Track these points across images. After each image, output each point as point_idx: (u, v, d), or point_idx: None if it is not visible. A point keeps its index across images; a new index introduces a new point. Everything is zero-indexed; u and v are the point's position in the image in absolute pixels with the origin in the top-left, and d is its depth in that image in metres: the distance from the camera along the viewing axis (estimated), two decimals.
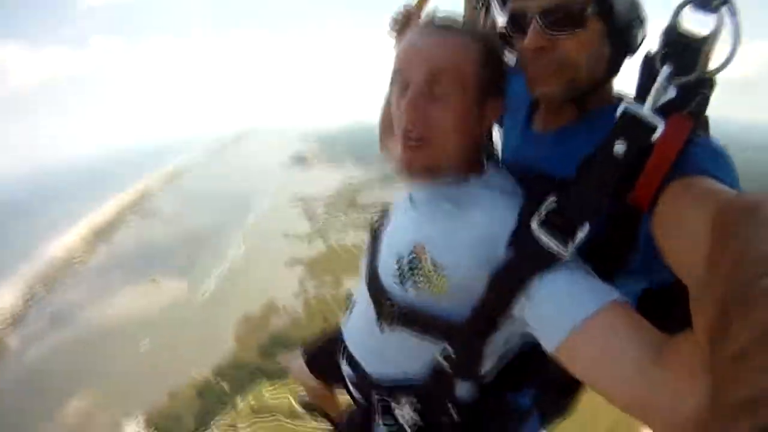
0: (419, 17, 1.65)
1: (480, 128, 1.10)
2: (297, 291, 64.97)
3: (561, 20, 1.00)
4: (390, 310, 1.09)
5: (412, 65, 1.05)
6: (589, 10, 0.99)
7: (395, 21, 1.66)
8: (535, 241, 0.86)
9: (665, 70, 0.77)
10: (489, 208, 1.02)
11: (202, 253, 79.03)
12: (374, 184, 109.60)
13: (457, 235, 1.02)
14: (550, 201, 0.87)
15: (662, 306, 0.84)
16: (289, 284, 66.59)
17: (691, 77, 0.75)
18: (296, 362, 1.83)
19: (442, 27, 1.10)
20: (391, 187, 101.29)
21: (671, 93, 0.77)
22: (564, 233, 0.83)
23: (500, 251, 0.94)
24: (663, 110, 0.77)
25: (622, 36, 1.04)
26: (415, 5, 1.69)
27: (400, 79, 1.07)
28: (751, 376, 0.37)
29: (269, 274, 69.79)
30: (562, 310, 0.80)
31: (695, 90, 0.77)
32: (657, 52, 0.81)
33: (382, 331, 1.12)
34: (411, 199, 1.21)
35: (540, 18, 1.01)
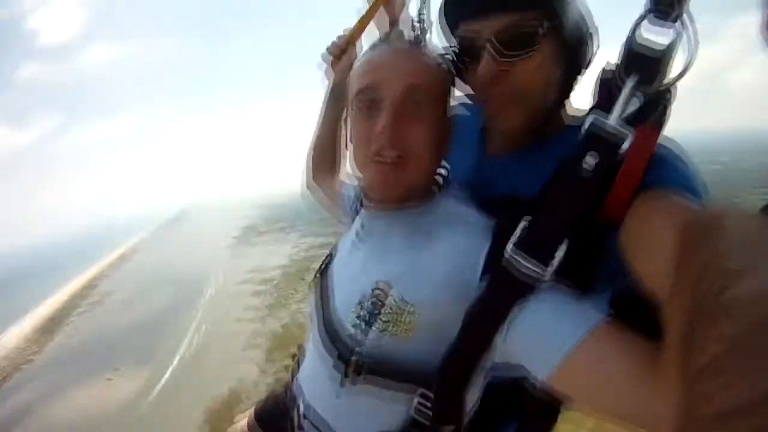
0: (355, 46, 1.67)
1: (446, 142, 1.06)
2: (257, 378, 64.56)
3: (515, 42, 0.95)
4: (353, 362, 0.95)
5: (387, 81, 0.97)
6: (542, 28, 0.94)
7: (333, 48, 1.63)
8: (513, 266, 0.79)
9: (629, 82, 0.75)
10: (457, 236, 0.95)
11: (159, 342, 76.48)
12: (322, 255, 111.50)
13: (424, 267, 0.93)
14: (523, 223, 0.81)
15: (627, 315, 0.77)
16: (249, 370, 64.98)
17: (655, 87, 0.74)
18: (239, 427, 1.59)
19: (411, 42, 1.06)
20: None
21: (634, 104, 0.76)
22: (542, 254, 0.77)
23: (474, 281, 0.86)
24: (628, 121, 0.75)
25: (574, 53, 1.01)
26: (352, 33, 1.70)
27: (368, 97, 0.99)
28: (719, 390, 0.38)
29: (227, 361, 67.79)
30: (550, 337, 0.74)
31: (658, 100, 0.76)
32: (618, 64, 0.78)
33: (343, 385, 0.97)
34: (362, 233, 1.13)
35: (493, 42, 0.96)
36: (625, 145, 0.73)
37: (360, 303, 0.97)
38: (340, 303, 1.04)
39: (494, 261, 0.85)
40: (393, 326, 0.92)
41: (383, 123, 0.94)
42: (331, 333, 1.03)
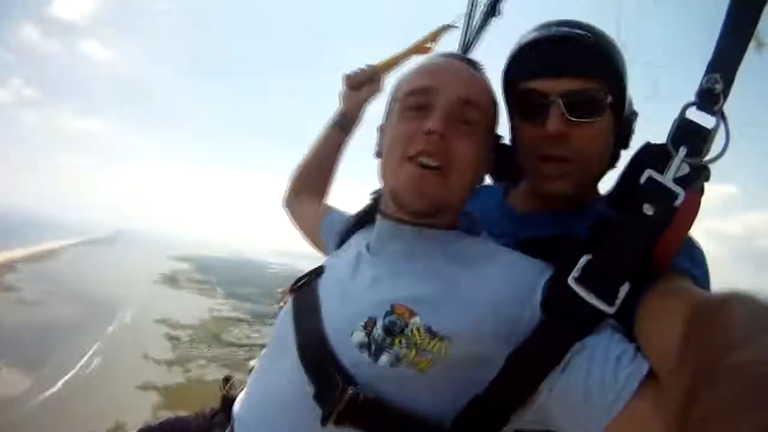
0: (380, 78, 1.74)
1: (486, 168, 1.08)
2: (149, 420, 63.03)
3: (584, 106, 1.01)
4: (347, 395, 0.78)
5: (446, 86, 0.97)
6: (609, 98, 1.02)
7: (354, 77, 1.70)
8: (578, 301, 0.79)
9: (682, 150, 0.86)
10: (505, 267, 0.92)
11: (55, 353, 73.14)
12: (243, 323, 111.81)
13: (464, 296, 0.88)
14: (584, 259, 0.82)
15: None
16: (141, 410, 64.44)
17: (701, 159, 0.86)
18: None
19: (467, 60, 1.09)
20: (261, 328, 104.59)
21: (684, 170, 0.86)
22: (606, 291, 0.78)
23: (523, 317, 0.83)
24: (678, 183, 0.84)
25: (626, 129, 1.10)
26: (378, 67, 1.76)
27: (420, 100, 0.98)
28: None
29: (121, 393, 67.20)
30: (612, 378, 0.71)
31: (700, 172, 0.87)
32: (669, 136, 0.89)
33: (324, 424, 0.81)
34: (376, 247, 1.07)
35: (563, 100, 1.00)
36: (678, 201, 0.81)
37: (367, 324, 0.87)
38: (337, 321, 0.93)
39: (556, 293, 0.83)
40: (414, 355, 0.81)
41: (433, 125, 0.93)
42: (318, 355, 0.88)
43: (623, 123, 1.09)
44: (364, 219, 1.31)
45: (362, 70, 1.73)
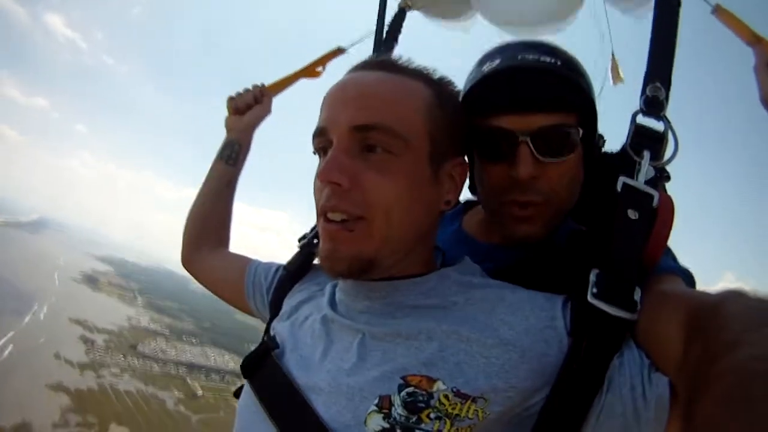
0: (268, 100, 1.51)
1: (439, 198, 0.87)
2: (57, 421, 61.39)
3: (555, 143, 0.93)
4: None
5: (334, 119, 0.80)
6: (579, 132, 0.94)
7: (238, 100, 1.47)
8: (602, 316, 0.74)
9: (647, 154, 0.87)
10: (518, 303, 0.81)
11: None
12: (160, 337, 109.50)
13: (477, 346, 0.75)
14: (594, 274, 0.78)
15: None
16: (49, 410, 62.68)
17: (662, 163, 0.89)
18: None
19: (379, 65, 0.88)
20: (178, 344, 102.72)
21: (650, 173, 0.87)
22: (625, 298, 0.75)
23: (553, 348, 0.75)
24: (648, 185, 0.85)
25: (592, 158, 1.02)
26: (269, 85, 1.54)
27: (320, 143, 0.83)
28: None
29: (30, 390, 64.70)
30: (650, 388, 0.70)
31: (663, 174, 0.89)
32: (627, 143, 0.91)
33: None
34: (344, 310, 0.89)
35: (532, 141, 0.91)
36: (655, 202, 0.82)
37: (381, 405, 0.73)
38: (339, 412, 0.76)
39: (581, 318, 0.77)
40: (449, 427, 0.70)
41: (322, 174, 0.77)
42: None
43: (593, 150, 1.02)
44: (299, 273, 1.15)
45: (247, 91, 1.50)
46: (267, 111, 1.54)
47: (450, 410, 0.71)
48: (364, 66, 0.89)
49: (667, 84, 0.92)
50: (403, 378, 0.74)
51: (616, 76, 1.66)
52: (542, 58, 0.94)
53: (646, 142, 0.90)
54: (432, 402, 0.71)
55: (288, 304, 1.07)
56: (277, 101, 1.59)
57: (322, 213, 0.81)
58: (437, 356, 0.75)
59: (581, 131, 0.94)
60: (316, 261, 1.18)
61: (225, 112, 1.49)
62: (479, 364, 0.74)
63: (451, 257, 0.97)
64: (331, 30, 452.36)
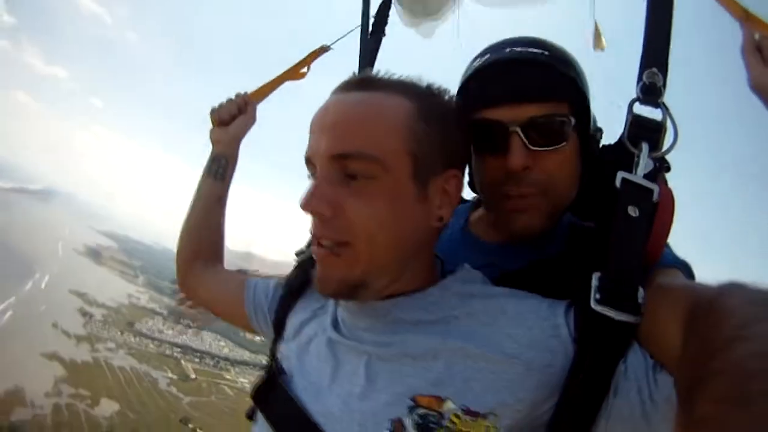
0: (252, 108, 1.45)
1: (429, 215, 0.84)
2: (50, 391, 60.96)
3: (547, 133, 0.92)
4: None
5: (316, 148, 0.80)
6: (571, 122, 0.93)
7: (222, 111, 1.40)
8: (606, 321, 0.74)
9: (645, 146, 0.84)
10: (519, 314, 0.80)
11: None
12: (158, 317, 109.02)
13: (483, 362, 0.76)
14: (596, 277, 0.76)
15: None
16: (43, 378, 62.34)
17: (661, 153, 0.85)
18: None
19: (358, 85, 0.85)
20: (176, 326, 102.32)
21: (650, 166, 0.85)
22: (628, 301, 0.74)
23: (558, 357, 0.75)
24: (648, 178, 0.83)
25: (591, 149, 1.01)
26: (252, 93, 1.49)
27: (310, 169, 0.83)
28: None
29: (26, 357, 64.28)
30: (656, 388, 0.70)
31: (663, 164, 0.86)
32: (625, 135, 0.87)
33: None
34: (347, 332, 0.89)
35: (523, 131, 0.90)
36: (655, 196, 0.80)
37: (394, 429, 0.74)
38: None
39: (585, 326, 0.77)
40: None
41: (304, 203, 0.78)
42: None
43: (590, 142, 1.00)
44: (299, 289, 1.12)
45: (230, 101, 1.44)
46: (252, 120, 1.48)
47: (462, 429, 0.72)
48: (344, 87, 0.87)
49: (664, 69, 0.89)
50: (412, 399, 0.75)
51: (599, 44, 1.54)
52: (530, 50, 0.96)
53: (644, 133, 0.87)
54: (443, 422, 0.72)
55: (291, 324, 1.05)
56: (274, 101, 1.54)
57: (314, 239, 0.83)
58: (445, 375, 0.76)
59: (573, 121, 0.94)
60: None
61: (242, 94, 1.44)
62: (487, 380, 0.75)
63: (452, 262, 0.95)
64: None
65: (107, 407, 64.40)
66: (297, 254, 1.22)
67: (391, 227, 0.79)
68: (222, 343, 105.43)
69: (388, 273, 0.83)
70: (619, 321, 0.74)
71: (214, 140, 1.43)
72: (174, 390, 79.00)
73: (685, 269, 0.93)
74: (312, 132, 0.84)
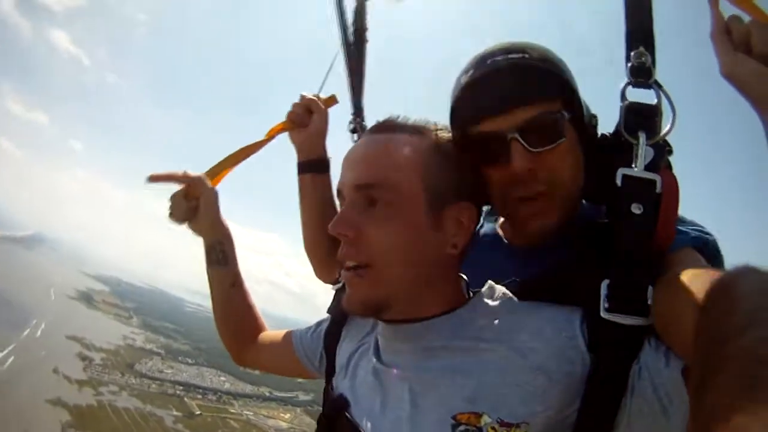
0: (323, 107, 1.47)
1: (443, 243, 0.89)
2: None
3: (544, 132, 0.92)
4: None
5: (345, 181, 0.90)
6: (565, 116, 0.93)
7: (173, 212, 1.36)
8: (617, 328, 0.77)
9: (642, 137, 0.84)
10: (539, 328, 0.84)
11: None
12: (157, 356, 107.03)
13: (511, 375, 0.81)
14: (604, 285, 0.79)
15: None
16: (49, 425, 60.54)
17: (660, 138, 0.85)
18: None
19: (381, 128, 0.95)
20: (174, 364, 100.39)
21: (650, 154, 0.83)
22: (637, 304, 0.77)
23: (577, 365, 0.79)
24: (649, 169, 0.83)
25: (588, 138, 1.00)
26: (326, 99, 1.50)
27: (339, 199, 0.93)
28: (722, 424, 0.41)
29: (31, 404, 62.65)
30: (671, 383, 0.72)
31: (664, 149, 0.85)
32: (621, 125, 0.87)
33: None
34: (385, 358, 0.96)
35: (521, 136, 0.91)
36: (659, 187, 0.80)
37: None
38: None
39: (596, 335, 0.80)
40: None
41: (331, 227, 0.87)
42: None
43: (586, 130, 1.00)
44: (341, 318, 1.20)
45: (177, 197, 1.36)
46: (213, 197, 1.38)
47: None
48: (371, 130, 0.97)
49: (651, 47, 0.86)
50: (453, 417, 0.79)
51: None
52: (510, 56, 0.94)
53: (640, 121, 0.86)
54: None
55: (341, 358, 1.11)
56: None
57: (341, 262, 0.90)
58: (478, 392, 0.80)
59: (567, 114, 0.93)
60: None
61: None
62: (516, 393, 0.79)
63: (484, 266, 1.01)
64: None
65: None
66: (333, 284, 1.26)
67: (406, 250, 0.85)
68: (222, 378, 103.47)
69: (408, 294, 0.88)
70: (629, 326, 0.77)
71: (197, 234, 1.40)
72: (181, 427, 77.47)
73: (702, 243, 0.91)
74: (342, 168, 0.93)
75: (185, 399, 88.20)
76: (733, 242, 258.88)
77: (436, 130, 0.95)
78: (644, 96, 0.87)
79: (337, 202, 0.96)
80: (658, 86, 0.86)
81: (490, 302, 0.92)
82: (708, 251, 0.92)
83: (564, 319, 0.83)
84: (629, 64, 0.87)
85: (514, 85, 0.93)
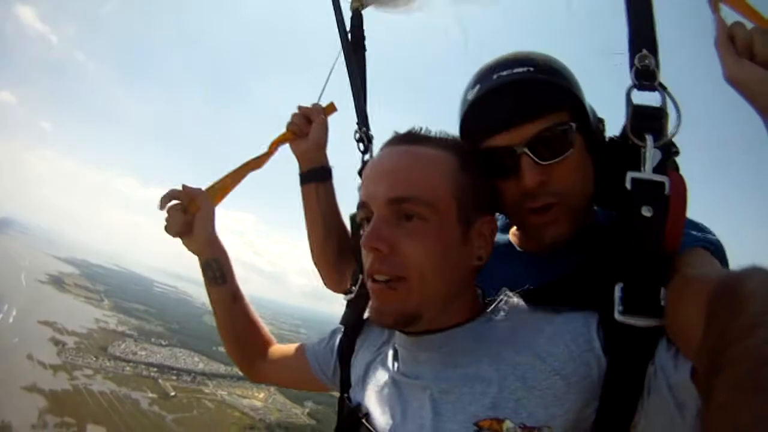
0: (323, 115, 1.45)
1: (471, 255, 0.94)
2: (36, 423, 61.17)
3: (553, 145, 0.94)
4: None
5: (373, 194, 0.90)
6: (572, 126, 0.95)
7: (169, 225, 1.31)
8: (631, 330, 0.78)
9: (649, 140, 0.84)
10: (555, 333, 0.86)
11: None
12: (129, 339, 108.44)
13: (531, 381, 0.82)
14: (618, 288, 0.80)
15: None
16: (27, 411, 62.12)
17: (666, 139, 0.85)
18: None
19: (405, 139, 0.96)
20: (147, 346, 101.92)
21: (657, 156, 0.84)
22: (650, 306, 0.78)
23: (594, 368, 0.81)
24: (657, 171, 0.83)
25: (597, 144, 1.01)
26: (325, 108, 1.47)
27: (363, 214, 0.93)
28: (727, 424, 0.42)
29: (6, 393, 64.11)
30: (682, 381, 0.72)
31: (671, 150, 0.86)
32: (628, 128, 0.87)
33: None
34: (406, 369, 0.98)
35: (530, 150, 0.93)
36: (667, 188, 0.81)
37: None
38: None
39: (611, 338, 0.81)
40: None
41: (365, 241, 0.88)
42: None
43: (595, 136, 1.02)
44: (356, 328, 1.22)
45: (174, 211, 1.32)
46: (210, 214, 1.35)
47: None
48: (394, 141, 0.98)
49: (654, 50, 0.87)
50: (475, 424, 0.82)
51: None
52: (516, 70, 0.96)
53: (647, 122, 0.86)
54: None
55: (357, 369, 1.14)
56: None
57: (369, 275, 0.91)
58: (499, 398, 0.82)
59: (575, 125, 0.95)
60: (367, 314, 1.21)
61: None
62: (536, 398, 0.81)
63: (499, 274, 1.04)
64: (308, 30, 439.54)
65: None
66: (345, 293, 1.30)
67: (440, 264, 0.88)
68: (196, 359, 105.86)
69: (437, 306, 0.91)
70: (643, 327, 0.78)
71: (192, 251, 1.37)
72: (156, 409, 79.85)
73: (711, 245, 0.92)
74: (367, 181, 0.94)
75: (160, 381, 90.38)
76: (736, 242, 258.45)
77: (461, 143, 0.99)
78: (650, 98, 0.87)
79: (341, 215, 0.99)
80: (663, 88, 0.86)
81: (507, 309, 0.95)
82: (716, 253, 0.93)
83: (580, 323, 0.85)
84: (633, 68, 0.87)
85: (522, 101, 0.95)
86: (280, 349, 1.46)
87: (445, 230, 0.89)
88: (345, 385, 1.17)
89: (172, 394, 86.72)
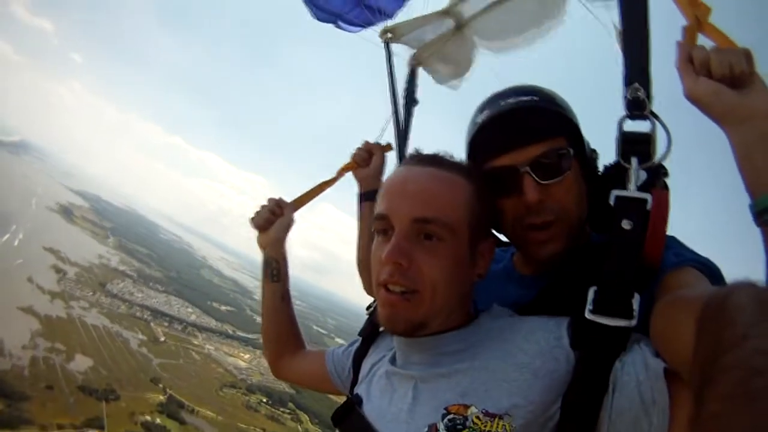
0: (288, 210, 1.58)
1: (473, 273, 1.03)
2: (27, 344, 61.50)
3: (552, 166, 1.01)
4: None
5: (396, 212, 0.96)
6: (570, 152, 1.03)
7: (257, 215, 1.57)
8: (600, 328, 0.82)
9: (634, 162, 0.90)
10: (529, 330, 0.93)
11: None
12: (129, 279, 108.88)
13: (500, 374, 0.89)
14: (592, 291, 0.85)
15: None
16: (19, 331, 62.44)
17: (653, 162, 0.90)
18: None
19: (430, 161, 1.03)
20: (145, 289, 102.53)
21: (643, 176, 0.90)
22: (621, 308, 0.82)
23: (562, 364, 0.85)
24: (642, 189, 0.88)
25: (591, 169, 1.11)
26: (296, 200, 1.65)
27: (382, 226, 0.99)
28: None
29: (2, 310, 64.34)
30: (656, 383, 0.74)
31: (658, 171, 0.92)
32: (618, 153, 0.93)
33: None
34: (399, 363, 1.08)
35: (532, 170, 1.01)
36: (649, 204, 0.85)
37: (431, 430, 0.89)
38: None
39: (580, 333, 0.86)
40: None
41: (387, 255, 0.93)
42: None
43: (588, 164, 1.11)
44: (371, 337, 1.32)
45: (263, 207, 1.60)
46: (289, 222, 1.59)
47: (482, 428, 0.84)
48: (417, 161, 1.05)
49: (645, 83, 0.92)
50: (445, 408, 0.89)
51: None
52: (521, 99, 1.07)
53: (633, 147, 0.92)
54: (467, 423, 0.85)
55: (364, 369, 1.25)
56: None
57: (383, 284, 0.96)
58: (470, 387, 0.90)
59: (572, 150, 1.04)
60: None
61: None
62: (502, 388, 0.86)
63: (496, 294, 1.15)
64: None
65: (82, 363, 65.71)
66: (368, 308, 1.41)
67: (449, 281, 0.96)
68: (190, 310, 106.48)
69: (441, 316, 0.99)
70: (613, 326, 0.81)
71: (260, 246, 1.60)
72: (144, 351, 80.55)
73: (702, 266, 0.95)
74: (391, 195, 1.00)
75: (152, 324, 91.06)
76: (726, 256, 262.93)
77: (476, 171, 1.07)
78: (643, 126, 0.93)
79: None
80: (654, 116, 0.91)
81: (494, 320, 1.03)
82: (709, 273, 0.95)
83: (553, 323, 0.91)
84: (625, 99, 0.92)
85: (525, 125, 1.04)
86: (306, 352, 1.61)
87: (457, 251, 0.97)
88: (352, 383, 1.28)
89: (162, 339, 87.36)
